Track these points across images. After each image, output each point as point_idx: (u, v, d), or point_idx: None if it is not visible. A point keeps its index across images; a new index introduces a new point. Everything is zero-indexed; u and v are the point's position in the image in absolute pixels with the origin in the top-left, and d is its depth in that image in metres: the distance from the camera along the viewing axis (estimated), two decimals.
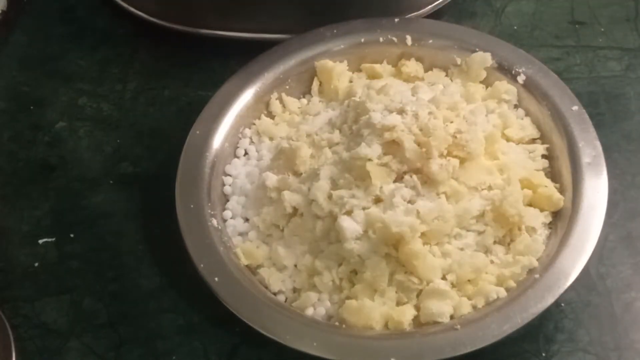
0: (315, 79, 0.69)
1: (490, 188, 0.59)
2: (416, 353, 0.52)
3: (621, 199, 0.63)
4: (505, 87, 0.65)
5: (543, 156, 0.63)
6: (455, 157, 0.58)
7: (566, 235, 0.56)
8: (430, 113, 0.58)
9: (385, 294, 0.55)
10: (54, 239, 0.64)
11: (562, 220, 0.58)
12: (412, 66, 0.68)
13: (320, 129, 0.63)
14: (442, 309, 0.54)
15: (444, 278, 0.56)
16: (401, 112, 0.59)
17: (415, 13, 0.74)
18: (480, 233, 0.58)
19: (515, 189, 0.58)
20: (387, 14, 0.70)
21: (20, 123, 0.72)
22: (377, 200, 0.57)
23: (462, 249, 0.57)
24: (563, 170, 0.61)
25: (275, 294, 0.58)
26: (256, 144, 0.66)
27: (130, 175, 0.68)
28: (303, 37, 0.69)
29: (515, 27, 0.77)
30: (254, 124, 0.67)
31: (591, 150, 0.60)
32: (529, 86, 0.65)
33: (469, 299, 0.55)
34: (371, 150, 0.57)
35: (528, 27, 0.77)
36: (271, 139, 0.66)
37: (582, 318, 0.58)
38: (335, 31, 0.69)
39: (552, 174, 0.62)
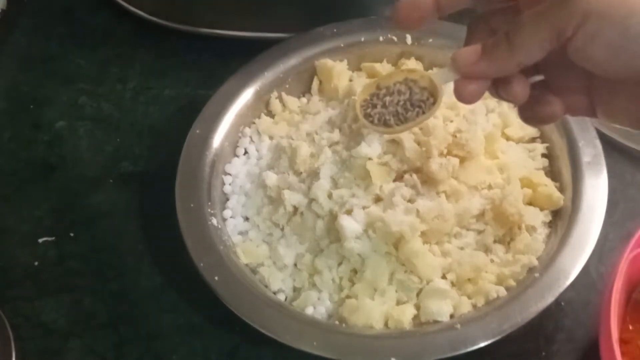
0: (315, 78, 0.69)
1: (490, 187, 0.59)
2: (416, 352, 0.52)
3: (621, 199, 0.63)
4: None
5: (543, 155, 0.63)
6: (455, 156, 0.58)
7: (566, 235, 0.56)
8: None
9: (385, 293, 0.55)
10: (54, 239, 0.64)
11: (562, 219, 0.58)
12: (411, 65, 0.68)
13: (320, 128, 0.63)
14: (442, 308, 0.54)
15: (444, 277, 0.56)
16: None
17: None
18: (480, 232, 0.58)
19: (515, 188, 0.58)
20: (387, 13, 0.70)
21: (20, 123, 0.72)
22: (377, 199, 0.57)
23: (462, 248, 0.57)
24: (563, 169, 0.61)
25: (275, 293, 0.58)
26: (256, 143, 0.66)
27: (130, 175, 0.68)
28: (303, 36, 0.69)
29: None
30: (254, 123, 0.67)
31: (591, 150, 0.60)
32: None
33: (469, 298, 0.55)
34: (371, 149, 0.57)
35: None
36: (271, 138, 0.66)
37: (582, 318, 0.58)
38: (335, 30, 0.69)
39: (552, 173, 0.62)
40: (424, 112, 0.45)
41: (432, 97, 0.45)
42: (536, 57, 0.40)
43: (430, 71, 0.46)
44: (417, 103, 0.45)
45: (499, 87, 0.43)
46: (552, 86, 0.44)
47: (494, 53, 0.41)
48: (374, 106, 0.46)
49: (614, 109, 0.42)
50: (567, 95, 0.43)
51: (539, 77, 0.45)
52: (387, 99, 0.46)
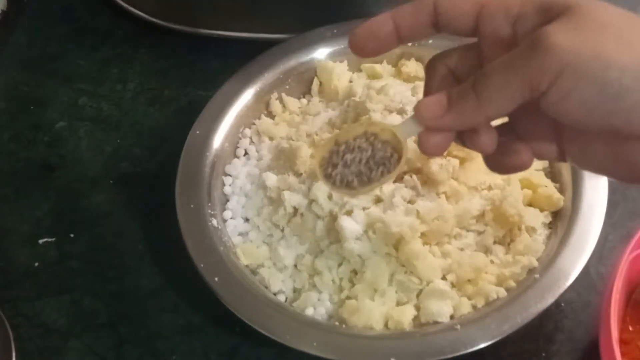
0: (315, 79, 0.69)
1: (490, 188, 0.59)
2: (416, 353, 0.52)
3: (621, 199, 0.63)
4: None
5: None
6: (455, 157, 0.58)
7: (566, 235, 0.56)
8: None
9: (385, 294, 0.55)
10: (54, 239, 0.64)
11: (562, 220, 0.58)
12: (412, 66, 0.68)
13: (320, 129, 0.63)
14: (442, 308, 0.54)
15: (444, 278, 0.56)
16: (401, 112, 0.59)
17: None
18: (480, 233, 0.58)
19: (515, 188, 0.58)
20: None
21: (20, 123, 0.72)
22: (377, 200, 0.58)
23: (462, 249, 0.57)
24: (563, 170, 0.61)
25: (275, 293, 0.58)
26: (256, 144, 0.66)
27: (130, 175, 0.68)
28: (303, 37, 0.69)
29: None
30: (254, 124, 0.67)
31: None
32: None
33: (469, 298, 0.55)
34: None
35: None
36: (271, 139, 0.66)
37: (582, 318, 0.58)
38: (335, 31, 0.69)
39: (552, 174, 0.62)
40: (389, 171, 0.42)
41: (395, 152, 0.42)
42: (506, 111, 0.37)
43: (392, 124, 0.43)
44: (380, 161, 0.42)
45: (465, 137, 0.40)
46: (519, 131, 0.41)
47: (461, 106, 0.38)
48: (335, 166, 0.43)
49: (585, 157, 0.40)
50: (536, 141, 0.41)
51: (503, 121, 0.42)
52: (348, 156, 0.42)
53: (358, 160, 0.42)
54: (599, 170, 0.41)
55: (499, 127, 0.41)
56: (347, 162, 0.42)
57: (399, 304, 0.56)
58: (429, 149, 0.40)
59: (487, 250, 0.57)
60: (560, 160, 0.42)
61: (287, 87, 0.68)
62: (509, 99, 0.36)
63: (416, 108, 0.39)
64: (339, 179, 0.43)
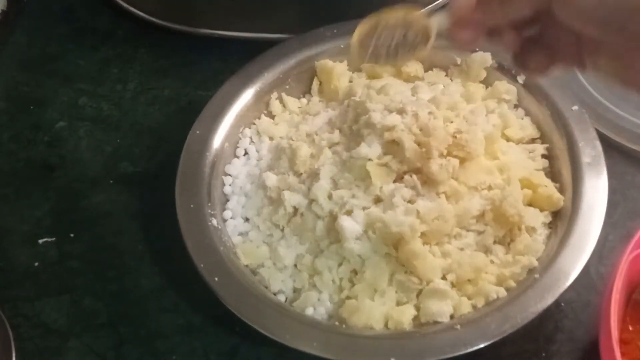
0: (315, 78, 0.69)
1: (490, 188, 0.59)
2: (416, 353, 0.52)
3: (621, 199, 0.63)
4: (505, 87, 0.65)
5: (543, 156, 0.63)
6: (455, 157, 0.58)
7: (566, 235, 0.56)
8: (430, 113, 0.59)
9: (385, 294, 0.55)
10: (54, 239, 0.64)
11: (562, 220, 0.58)
12: (412, 66, 0.68)
13: (320, 129, 0.63)
14: (442, 308, 0.54)
15: (444, 278, 0.56)
16: (401, 112, 0.59)
17: None
18: (480, 233, 0.58)
19: (515, 188, 0.58)
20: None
21: (20, 123, 0.72)
22: (377, 200, 0.57)
23: (462, 249, 0.57)
24: (563, 170, 0.61)
25: (275, 293, 0.58)
26: (256, 143, 0.66)
27: (130, 175, 0.68)
28: (303, 37, 0.69)
29: None
30: (254, 124, 0.67)
31: (591, 150, 0.60)
32: (529, 86, 0.65)
33: (469, 298, 0.55)
34: (371, 150, 0.57)
35: None
36: (271, 138, 0.66)
37: (582, 318, 0.58)
38: (335, 31, 0.69)
39: (552, 174, 0.62)
40: (414, 52, 0.50)
41: (424, 41, 0.49)
42: (525, 13, 0.44)
43: (428, 18, 0.50)
44: (410, 44, 0.50)
45: (492, 35, 0.47)
46: (544, 39, 0.47)
47: (487, 6, 0.45)
48: (370, 39, 0.50)
49: (600, 64, 0.45)
50: (558, 48, 0.47)
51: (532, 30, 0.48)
52: (383, 35, 0.50)
53: (390, 40, 0.50)
54: (614, 76, 0.45)
55: (527, 38, 0.47)
56: (381, 39, 0.50)
57: (399, 304, 0.56)
58: (459, 40, 0.48)
59: (487, 250, 0.57)
60: (580, 67, 0.47)
61: (287, 87, 0.68)
62: (526, 3, 0.44)
63: (449, 5, 0.47)
64: (371, 50, 0.50)
